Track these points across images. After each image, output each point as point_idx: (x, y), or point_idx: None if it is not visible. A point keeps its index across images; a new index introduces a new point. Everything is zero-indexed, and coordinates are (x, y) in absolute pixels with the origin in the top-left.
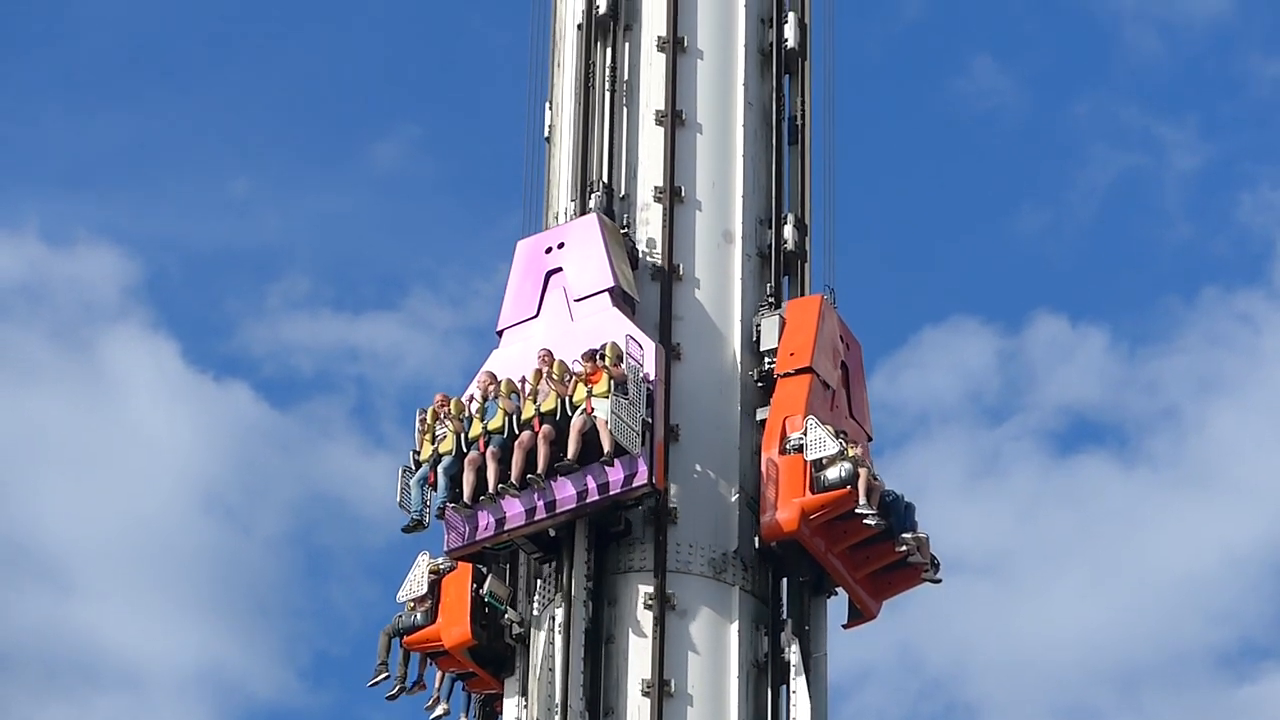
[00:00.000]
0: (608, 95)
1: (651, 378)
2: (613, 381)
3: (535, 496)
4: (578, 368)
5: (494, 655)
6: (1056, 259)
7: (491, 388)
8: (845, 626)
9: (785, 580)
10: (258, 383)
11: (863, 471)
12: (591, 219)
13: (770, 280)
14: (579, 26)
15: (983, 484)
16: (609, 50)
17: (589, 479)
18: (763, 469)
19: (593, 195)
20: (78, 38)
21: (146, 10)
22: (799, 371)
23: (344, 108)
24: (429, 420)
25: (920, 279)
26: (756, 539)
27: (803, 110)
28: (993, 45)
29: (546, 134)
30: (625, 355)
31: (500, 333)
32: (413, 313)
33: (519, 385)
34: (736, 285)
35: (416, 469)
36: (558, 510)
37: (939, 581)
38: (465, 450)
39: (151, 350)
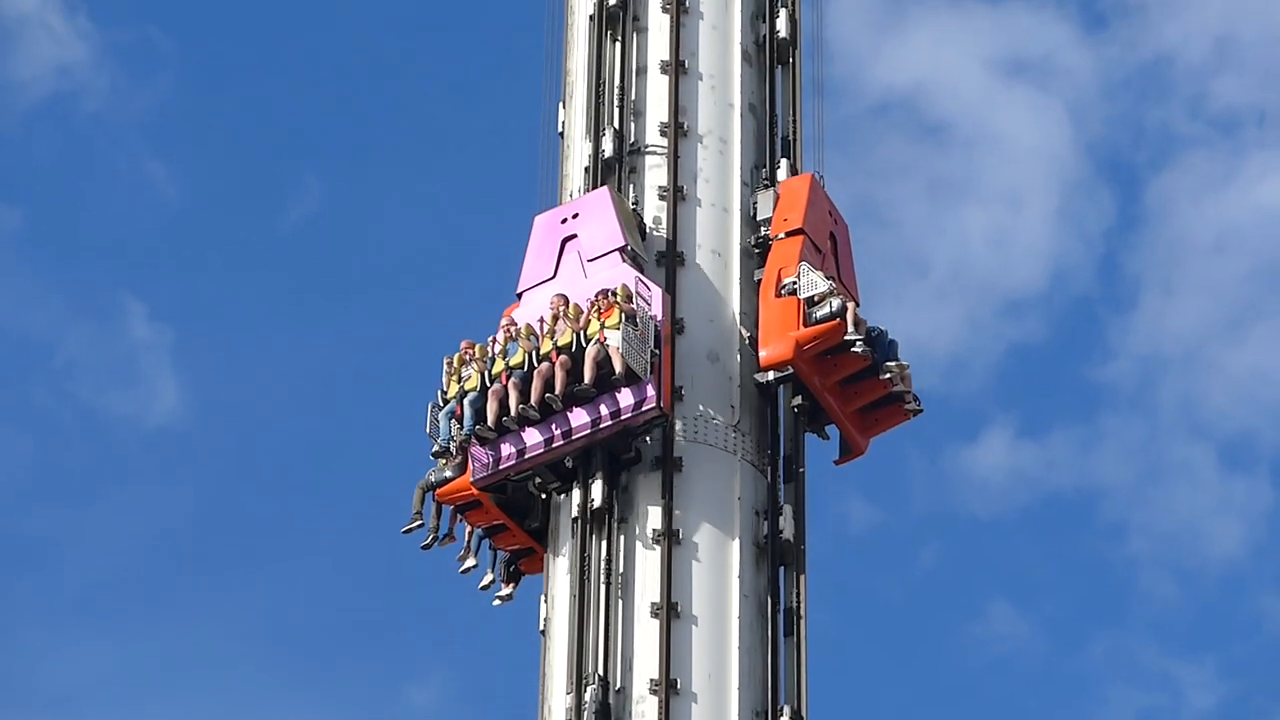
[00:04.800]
0: None
1: (659, 318)
2: (623, 314)
3: (553, 426)
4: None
5: (519, 505)
6: None
7: (512, 329)
8: (836, 463)
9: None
10: None
11: (851, 305)
12: (604, 192)
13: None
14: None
15: None
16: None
17: (602, 407)
18: (760, 312)
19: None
20: (78, 560)
21: (175, 519)
22: (791, 234)
23: (373, 648)
24: (455, 365)
25: None
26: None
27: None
28: (1009, 590)
29: None
30: (634, 295)
31: (520, 294)
32: None
33: (537, 328)
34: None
35: (444, 406)
36: (574, 437)
37: (920, 411)
38: (489, 385)
39: None
